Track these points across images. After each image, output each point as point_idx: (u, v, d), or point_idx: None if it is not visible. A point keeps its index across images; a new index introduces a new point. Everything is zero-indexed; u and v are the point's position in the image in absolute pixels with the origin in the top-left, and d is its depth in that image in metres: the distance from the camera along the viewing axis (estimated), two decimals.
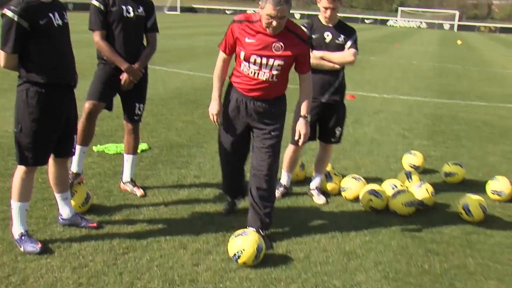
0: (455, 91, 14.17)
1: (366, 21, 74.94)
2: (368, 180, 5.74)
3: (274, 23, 3.88)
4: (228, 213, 4.92)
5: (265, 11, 3.86)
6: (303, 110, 4.30)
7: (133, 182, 5.29)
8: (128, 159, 5.26)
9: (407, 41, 37.15)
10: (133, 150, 5.26)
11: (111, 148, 6.58)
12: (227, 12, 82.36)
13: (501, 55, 30.00)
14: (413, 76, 16.92)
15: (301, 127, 4.27)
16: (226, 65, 4.32)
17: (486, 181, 5.99)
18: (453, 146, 8.09)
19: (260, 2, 3.91)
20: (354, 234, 4.66)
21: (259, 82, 4.11)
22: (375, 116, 10.10)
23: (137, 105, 5.10)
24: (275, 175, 4.45)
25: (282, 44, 4.00)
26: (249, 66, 4.08)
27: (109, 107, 5.08)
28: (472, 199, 5.17)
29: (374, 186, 5.34)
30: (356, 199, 5.41)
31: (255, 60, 4.03)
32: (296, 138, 4.32)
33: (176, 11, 70.78)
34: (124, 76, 4.82)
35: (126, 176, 5.28)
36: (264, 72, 4.07)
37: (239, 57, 4.11)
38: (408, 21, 77.88)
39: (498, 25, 77.38)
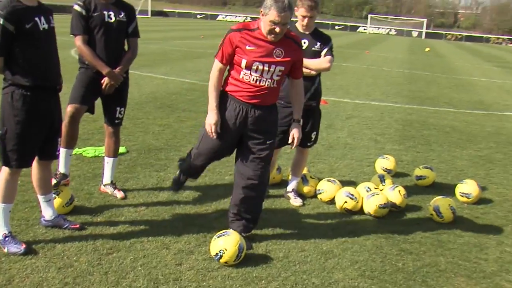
0: (425, 97, 14.53)
1: (336, 27, 75.81)
2: (343, 183, 5.91)
3: (278, 29, 3.98)
4: (178, 190, 5.17)
5: (268, 17, 3.95)
6: (297, 114, 4.46)
7: (113, 184, 5.35)
8: (108, 162, 5.33)
9: (377, 48, 37.74)
10: (114, 153, 5.33)
11: (89, 151, 6.62)
12: (198, 16, 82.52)
13: (468, 62, 30.72)
14: (384, 82, 17.26)
15: (295, 131, 4.42)
16: (222, 75, 4.29)
17: (455, 184, 6.22)
18: (423, 151, 8.34)
19: (262, 9, 4.00)
20: (330, 234, 4.82)
21: (260, 89, 4.16)
22: (347, 121, 10.33)
23: (118, 109, 5.18)
24: (267, 183, 4.57)
25: (282, 50, 4.11)
26: (250, 74, 4.12)
27: (91, 110, 5.15)
28: (442, 201, 5.38)
29: (349, 189, 5.51)
30: (332, 201, 5.57)
31: (257, 67, 4.08)
32: (290, 141, 4.47)
33: (147, 14, 70.44)
34: (105, 80, 4.90)
35: (107, 178, 5.35)
36: (266, 79, 4.14)
37: (239, 66, 4.13)
38: (378, 28, 79.07)
39: (464, 34, 79.19)
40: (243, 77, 4.16)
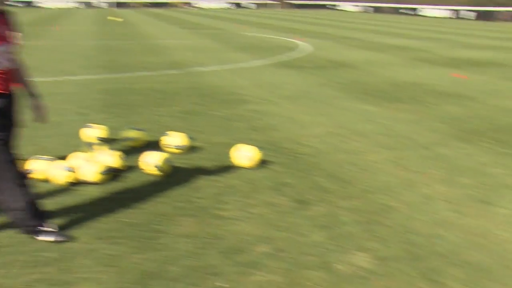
0: (122, 65, 14.87)
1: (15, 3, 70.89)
2: (57, 159, 5.87)
3: None
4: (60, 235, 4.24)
5: None
6: (29, 89, 4.35)
7: None
8: None
9: (66, 22, 36.64)
10: None
11: None
12: None
13: (155, 27, 32.14)
14: (80, 56, 17.04)
15: (38, 105, 4.39)
16: None
17: (165, 140, 6.69)
18: (130, 115, 8.68)
19: None
20: (62, 210, 4.80)
21: (2, 74, 3.91)
22: (49, 99, 10.00)
23: None
24: None
25: (2, 27, 3.91)
26: None
27: None
28: (159, 156, 5.78)
29: (64, 162, 5.51)
30: (47, 179, 5.49)
31: None
32: (37, 117, 4.41)
33: None
34: None
35: None
36: (3, 61, 3.88)
37: None
38: (65, 2, 76.39)
39: (151, 1, 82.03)
40: None
